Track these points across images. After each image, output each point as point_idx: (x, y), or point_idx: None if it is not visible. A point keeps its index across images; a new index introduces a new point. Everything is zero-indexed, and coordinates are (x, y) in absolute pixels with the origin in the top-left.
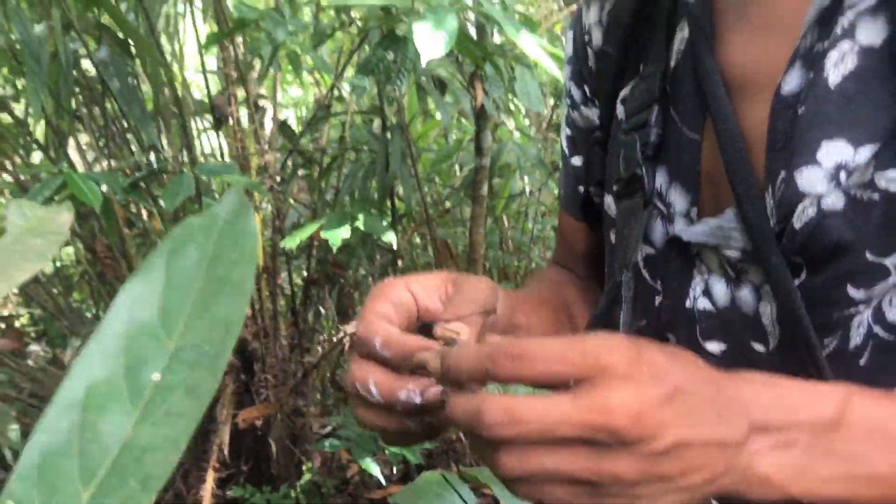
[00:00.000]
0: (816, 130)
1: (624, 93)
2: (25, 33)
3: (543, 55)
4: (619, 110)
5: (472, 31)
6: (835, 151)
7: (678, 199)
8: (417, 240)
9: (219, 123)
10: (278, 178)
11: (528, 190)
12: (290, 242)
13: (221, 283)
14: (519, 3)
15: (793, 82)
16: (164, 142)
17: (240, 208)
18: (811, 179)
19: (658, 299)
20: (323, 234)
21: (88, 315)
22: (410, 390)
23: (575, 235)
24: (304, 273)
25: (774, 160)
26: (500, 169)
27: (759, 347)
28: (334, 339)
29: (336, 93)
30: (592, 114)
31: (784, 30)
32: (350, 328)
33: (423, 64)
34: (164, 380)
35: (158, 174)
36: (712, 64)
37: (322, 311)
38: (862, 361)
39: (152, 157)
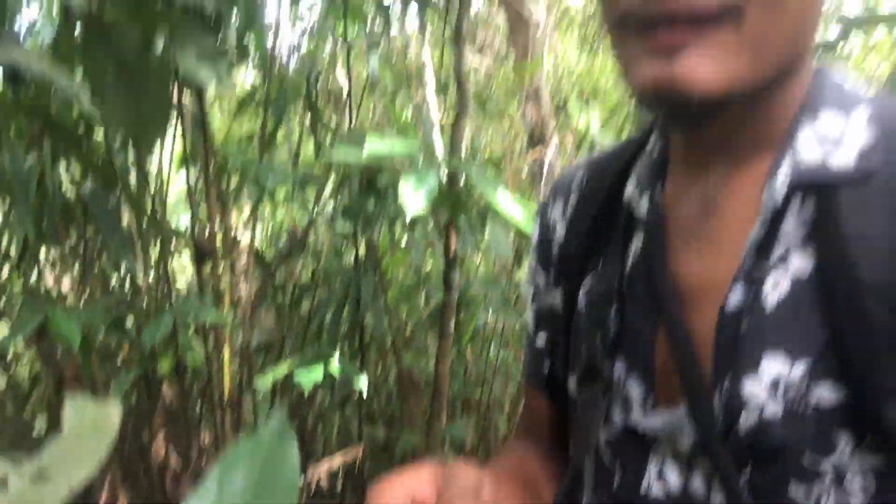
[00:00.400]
0: (757, 345)
1: (585, 286)
2: (16, 164)
3: (518, 211)
4: (581, 301)
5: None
6: (773, 366)
7: (635, 389)
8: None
9: (200, 259)
10: (250, 309)
11: (489, 321)
12: (263, 383)
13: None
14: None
15: (736, 299)
16: (141, 269)
17: (283, 435)
18: (753, 390)
19: (616, 483)
20: (296, 378)
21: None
22: None
23: (540, 409)
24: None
25: (720, 368)
26: (467, 303)
27: None
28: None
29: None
30: (556, 298)
31: (728, 251)
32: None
33: (409, 219)
34: None
35: (136, 308)
36: (664, 274)
37: None
38: None
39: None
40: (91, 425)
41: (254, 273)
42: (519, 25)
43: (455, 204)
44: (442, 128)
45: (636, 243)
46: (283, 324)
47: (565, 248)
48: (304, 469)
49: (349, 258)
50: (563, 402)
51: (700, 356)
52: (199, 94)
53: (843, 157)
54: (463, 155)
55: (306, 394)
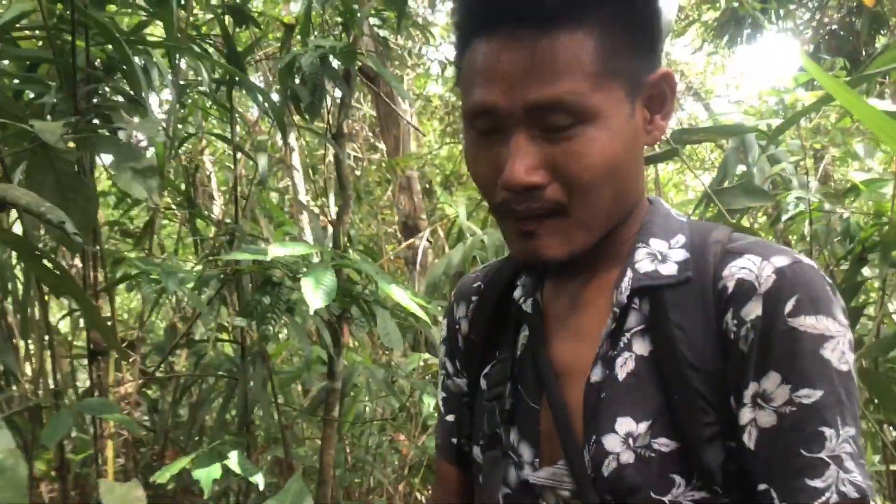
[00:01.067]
0: (613, 409)
1: (486, 370)
2: None
3: (411, 303)
4: (483, 383)
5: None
6: (625, 424)
7: (525, 452)
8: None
9: (93, 357)
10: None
11: (369, 409)
12: (162, 477)
13: None
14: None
15: (596, 375)
16: (28, 369)
17: (301, 490)
18: (611, 443)
19: None
20: (195, 475)
21: None
22: None
23: (450, 476)
24: None
25: (588, 428)
26: (349, 389)
27: None
28: None
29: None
30: (462, 383)
31: (590, 339)
32: None
33: (311, 313)
34: None
35: (32, 409)
36: (545, 358)
37: None
38: None
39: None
40: (123, 498)
41: (138, 368)
42: (390, 119)
43: (347, 298)
44: (313, 214)
45: (523, 334)
46: (165, 417)
47: (468, 340)
48: None
49: (234, 350)
50: (468, 470)
51: (572, 420)
52: None
53: (668, 269)
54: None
55: (206, 495)
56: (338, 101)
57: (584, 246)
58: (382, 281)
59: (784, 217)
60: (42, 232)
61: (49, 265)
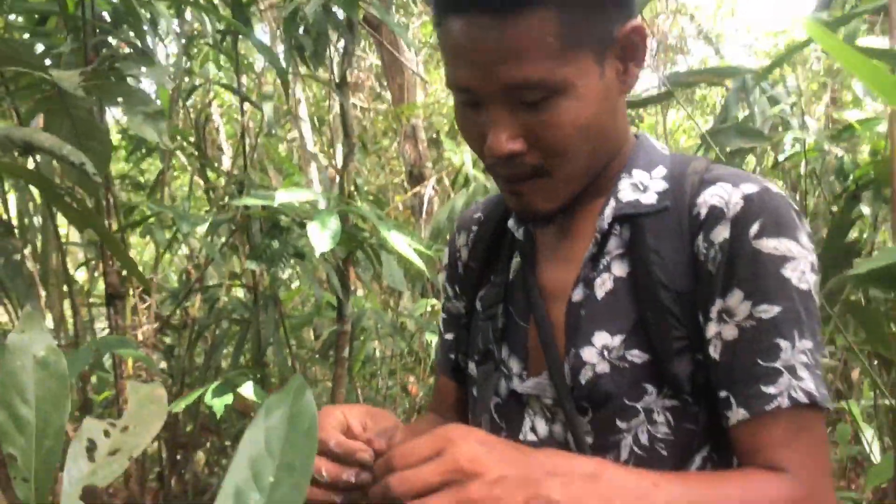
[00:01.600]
0: (591, 325)
1: (481, 293)
2: None
3: (409, 250)
4: (478, 305)
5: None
6: (602, 338)
7: (514, 365)
8: None
9: (111, 300)
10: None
11: (378, 353)
12: (178, 407)
13: (296, 432)
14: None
15: (578, 295)
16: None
17: (302, 386)
18: (588, 355)
19: (503, 434)
20: (208, 401)
21: None
22: (350, 474)
23: (447, 389)
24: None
25: (569, 342)
26: (358, 333)
27: None
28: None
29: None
30: (461, 306)
31: (574, 263)
32: None
33: (317, 254)
34: (273, 484)
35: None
36: (534, 281)
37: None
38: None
39: None
40: (146, 398)
41: (155, 311)
42: (394, 67)
43: (352, 242)
44: (321, 164)
45: (516, 260)
46: (182, 361)
47: (467, 267)
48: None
49: (246, 295)
50: (464, 383)
51: (556, 336)
52: None
53: (648, 198)
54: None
55: (219, 415)
56: (341, 50)
57: (571, 196)
58: (382, 226)
59: (781, 157)
60: (58, 179)
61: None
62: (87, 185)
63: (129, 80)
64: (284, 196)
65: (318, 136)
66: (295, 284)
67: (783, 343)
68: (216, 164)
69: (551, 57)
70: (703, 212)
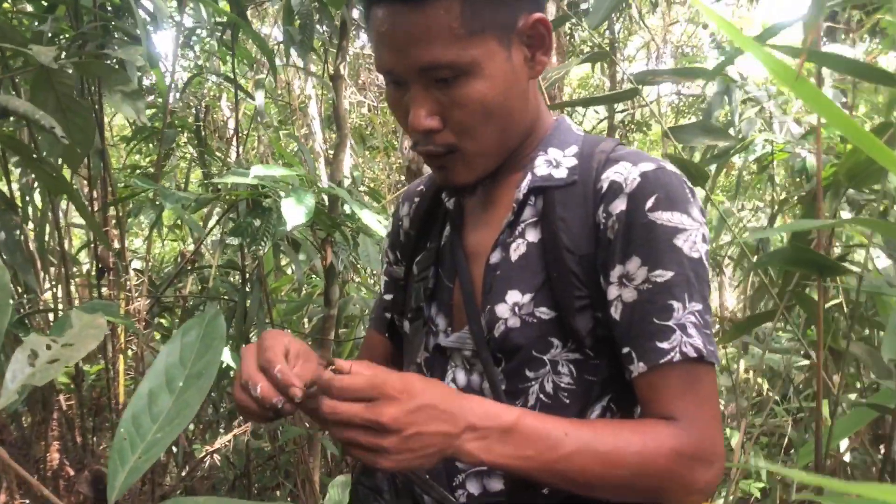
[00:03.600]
0: (504, 284)
1: (417, 258)
2: None
3: (380, 227)
4: (415, 269)
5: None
6: (513, 296)
7: (441, 321)
8: None
9: (101, 273)
10: (143, 323)
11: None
12: None
13: (206, 348)
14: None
15: (495, 257)
16: (46, 285)
17: (217, 313)
18: (501, 311)
19: None
20: None
21: None
22: (279, 400)
23: (376, 345)
24: None
25: (485, 299)
26: (347, 319)
27: None
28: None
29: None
30: (399, 270)
31: (494, 228)
32: None
33: (289, 228)
34: (182, 388)
35: (39, 313)
36: (459, 244)
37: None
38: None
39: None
40: (87, 323)
41: (147, 291)
42: None
43: (331, 223)
44: (326, 159)
45: (447, 227)
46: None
47: (407, 235)
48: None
49: (236, 277)
50: (394, 341)
51: (475, 294)
52: (100, 127)
53: (560, 173)
54: (346, 185)
55: None
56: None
57: (487, 170)
58: (355, 204)
59: (751, 157)
60: (45, 154)
61: (45, 169)
62: (70, 159)
63: (110, 62)
64: (260, 171)
65: (330, 132)
66: (290, 271)
67: (675, 304)
68: (219, 155)
69: (457, 39)
70: (605, 186)
